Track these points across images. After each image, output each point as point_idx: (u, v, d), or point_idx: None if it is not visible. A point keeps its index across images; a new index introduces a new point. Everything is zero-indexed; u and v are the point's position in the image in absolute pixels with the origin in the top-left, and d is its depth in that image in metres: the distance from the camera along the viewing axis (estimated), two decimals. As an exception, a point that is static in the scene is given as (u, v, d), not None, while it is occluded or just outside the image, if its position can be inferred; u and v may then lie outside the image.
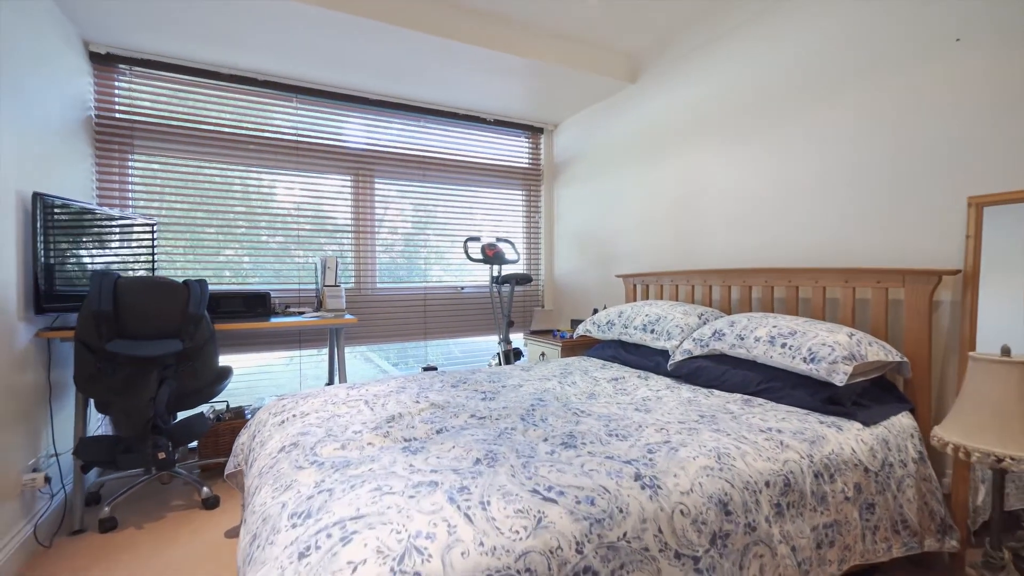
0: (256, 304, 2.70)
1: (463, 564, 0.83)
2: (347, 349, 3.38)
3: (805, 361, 1.64)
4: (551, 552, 0.90)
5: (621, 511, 1.01)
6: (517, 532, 0.91)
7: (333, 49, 2.68)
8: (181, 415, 2.36)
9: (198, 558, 1.83)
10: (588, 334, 2.75)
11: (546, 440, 1.35)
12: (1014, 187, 1.58)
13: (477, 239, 3.54)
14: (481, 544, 0.87)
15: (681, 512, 1.07)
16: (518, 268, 4.05)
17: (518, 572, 0.86)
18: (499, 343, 3.47)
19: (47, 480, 1.89)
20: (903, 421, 1.61)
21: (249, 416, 2.77)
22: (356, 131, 3.40)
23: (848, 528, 1.35)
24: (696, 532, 1.07)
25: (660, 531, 1.03)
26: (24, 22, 1.93)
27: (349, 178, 3.39)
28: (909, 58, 1.82)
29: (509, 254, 3.68)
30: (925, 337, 1.69)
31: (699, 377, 2.02)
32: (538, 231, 4.16)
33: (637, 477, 1.12)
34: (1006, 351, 1.41)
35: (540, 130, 4.08)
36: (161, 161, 2.85)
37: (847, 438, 1.45)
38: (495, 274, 3.52)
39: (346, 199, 3.37)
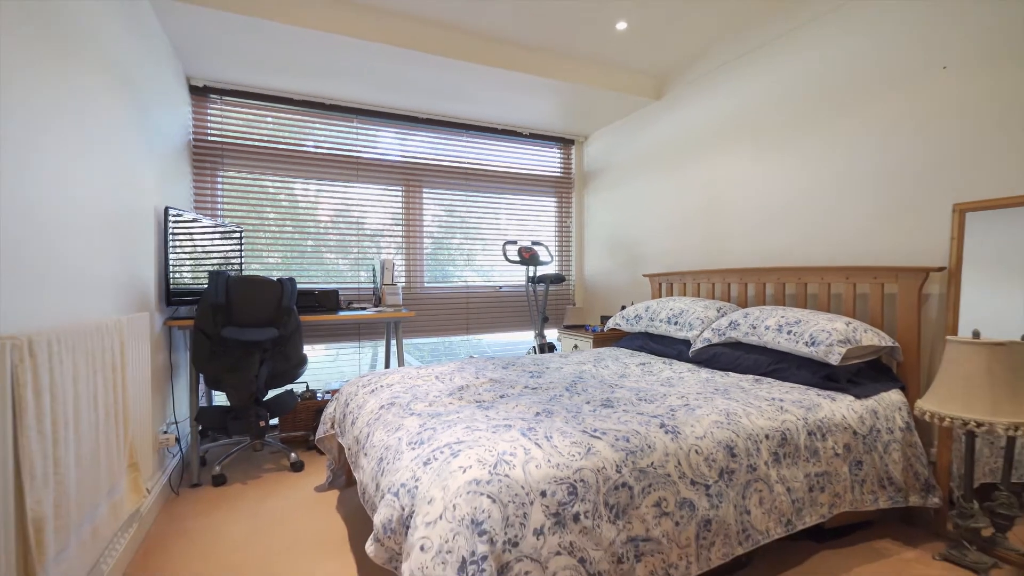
0: (327, 300, 3.12)
1: (537, 473, 1.18)
2: (381, 343, 3.77)
3: (807, 345, 1.93)
4: (598, 471, 1.24)
5: (649, 447, 1.35)
6: (573, 455, 1.25)
7: (392, 76, 3.09)
8: (271, 392, 2.78)
9: (297, 506, 2.23)
10: (618, 327, 3.07)
11: (588, 403, 1.69)
12: (991, 195, 1.84)
13: (514, 242, 3.90)
14: (549, 461, 1.22)
15: (696, 451, 1.39)
16: (551, 269, 4.39)
17: (574, 482, 1.20)
18: (535, 338, 3.82)
19: (176, 440, 2.33)
20: (893, 397, 1.89)
21: (320, 398, 3.19)
22: (407, 146, 3.80)
23: (838, 479, 1.65)
24: (707, 467, 1.39)
25: (679, 463, 1.35)
26: (153, 62, 2.37)
27: (400, 188, 3.79)
28: (904, 82, 2.10)
29: (543, 256, 4.02)
30: (915, 325, 1.96)
31: (717, 362, 2.32)
32: (569, 235, 4.50)
33: (662, 425, 1.45)
34: (976, 334, 1.69)
35: (571, 142, 4.42)
36: (243, 176, 3.31)
37: (839, 407, 1.74)
38: (531, 274, 3.86)
39: (398, 207, 3.78)
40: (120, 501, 1.45)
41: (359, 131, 3.63)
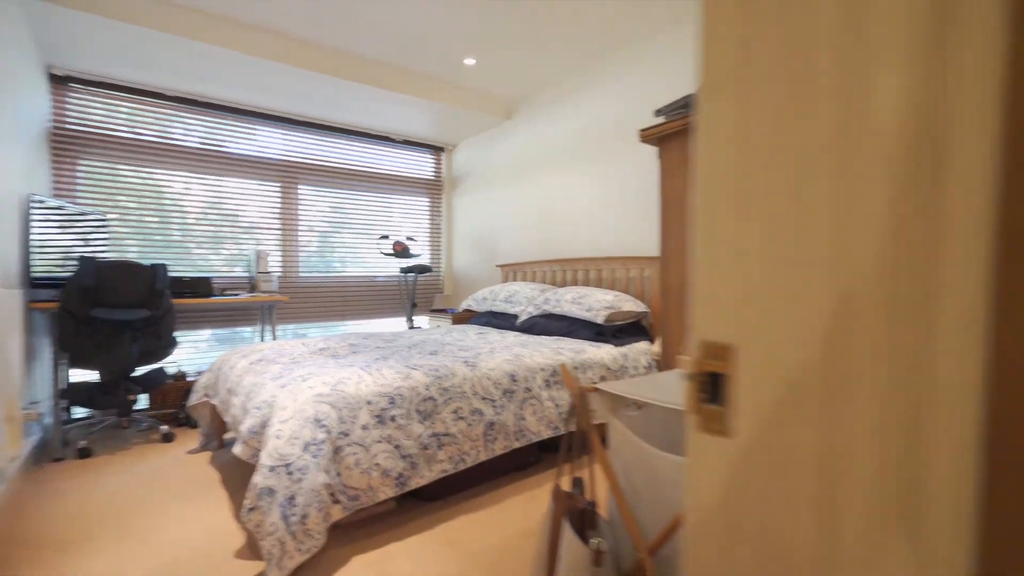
0: (200, 286, 3.32)
1: (366, 389, 1.70)
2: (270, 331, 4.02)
3: (586, 311, 2.69)
4: (412, 388, 1.80)
5: (452, 374, 1.94)
6: (395, 379, 1.80)
7: (261, 82, 3.39)
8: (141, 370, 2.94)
9: (170, 464, 2.49)
10: (470, 308, 3.68)
11: (420, 353, 2.25)
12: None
13: (387, 236, 4.35)
14: (376, 383, 1.75)
15: (487, 378, 2.02)
16: (422, 261, 4.90)
17: (393, 396, 1.74)
18: (406, 322, 4.30)
19: (40, 415, 2.45)
20: (641, 346, 2.70)
21: (190, 379, 3.37)
22: (284, 145, 4.07)
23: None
24: (494, 387, 2.02)
25: (473, 385, 1.96)
26: (14, 50, 2.46)
27: (278, 184, 4.05)
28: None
29: (415, 249, 4.52)
30: (659, 297, 2.81)
31: (534, 329, 3.02)
32: (440, 231, 5.05)
33: (465, 362, 2.05)
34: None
35: (442, 149, 4.98)
36: (108, 165, 3.37)
37: (600, 351, 2.50)
38: (403, 266, 4.34)
39: (275, 202, 4.04)
40: (3, 445, 1.70)
41: (233, 128, 3.83)
